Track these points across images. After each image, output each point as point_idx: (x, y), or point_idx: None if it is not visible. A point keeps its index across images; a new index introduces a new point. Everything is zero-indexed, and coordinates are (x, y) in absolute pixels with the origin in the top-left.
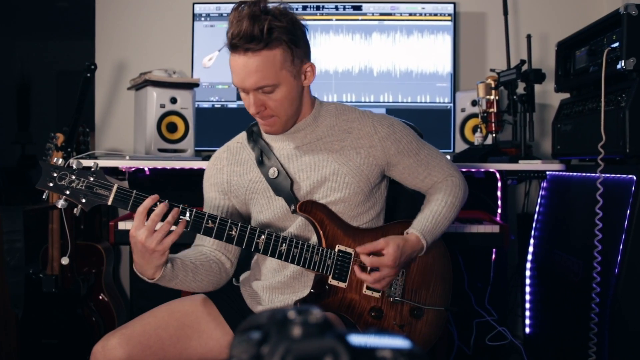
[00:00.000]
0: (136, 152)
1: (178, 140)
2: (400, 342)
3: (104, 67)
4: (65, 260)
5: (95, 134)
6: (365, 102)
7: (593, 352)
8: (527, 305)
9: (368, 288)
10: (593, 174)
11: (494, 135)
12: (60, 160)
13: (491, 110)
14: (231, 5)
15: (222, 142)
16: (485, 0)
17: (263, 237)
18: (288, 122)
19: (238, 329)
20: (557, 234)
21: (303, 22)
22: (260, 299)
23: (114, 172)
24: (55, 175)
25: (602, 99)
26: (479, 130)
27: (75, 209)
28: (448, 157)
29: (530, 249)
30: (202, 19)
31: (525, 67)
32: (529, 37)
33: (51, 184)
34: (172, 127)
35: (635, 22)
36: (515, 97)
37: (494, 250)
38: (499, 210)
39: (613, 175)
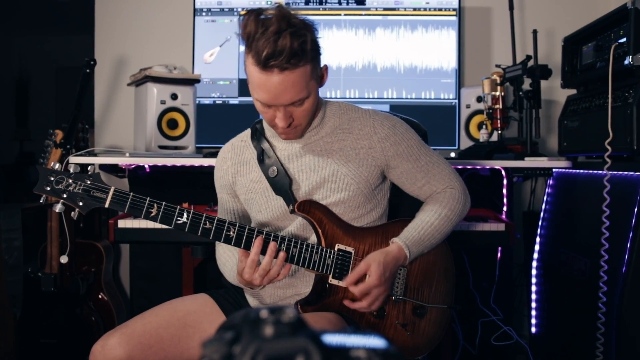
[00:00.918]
0: (136, 149)
1: (179, 137)
2: (375, 342)
3: (104, 63)
4: (64, 259)
5: (94, 130)
6: (368, 98)
7: (600, 352)
8: (533, 305)
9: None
10: (600, 171)
11: (499, 131)
12: (57, 164)
13: (497, 106)
14: (233, 0)
15: (223, 139)
16: None
17: (261, 237)
18: (307, 127)
19: (217, 329)
20: (563, 232)
21: (312, 22)
22: (262, 299)
23: (114, 169)
24: (52, 179)
25: (610, 95)
26: (484, 126)
27: (73, 212)
28: (453, 154)
29: (536, 247)
30: (203, 13)
31: (531, 63)
32: (535, 32)
33: (48, 188)
34: (173, 124)
35: None
36: (521, 93)
37: (499, 248)
38: (505, 208)
39: (620, 172)
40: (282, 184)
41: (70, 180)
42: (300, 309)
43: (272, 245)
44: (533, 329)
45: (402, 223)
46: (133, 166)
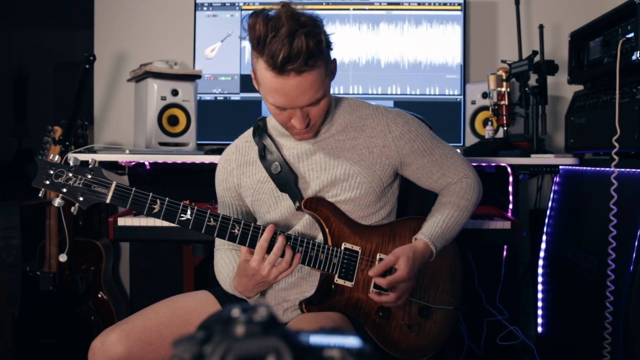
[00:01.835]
0: (136, 146)
1: (179, 133)
2: (349, 341)
3: (103, 58)
4: (63, 258)
5: (94, 127)
6: (372, 94)
7: (607, 352)
8: (539, 304)
9: (376, 287)
10: (607, 169)
11: (505, 128)
12: (57, 157)
13: (502, 102)
14: None
15: (225, 136)
16: None
17: (273, 226)
18: (320, 126)
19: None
20: (570, 230)
21: (319, 17)
22: (265, 300)
23: (114, 166)
24: (51, 172)
25: (617, 91)
26: (489, 123)
27: (73, 208)
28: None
29: (543, 245)
30: (204, 8)
31: (537, 58)
32: (541, 27)
33: (47, 182)
34: (174, 120)
35: None
36: (527, 89)
37: (505, 247)
38: (511, 206)
39: (628, 169)
40: (286, 180)
41: (71, 174)
42: (305, 309)
43: (281, 238)
44: (539, 329)
45: (409, 222)
46: (133, 163)
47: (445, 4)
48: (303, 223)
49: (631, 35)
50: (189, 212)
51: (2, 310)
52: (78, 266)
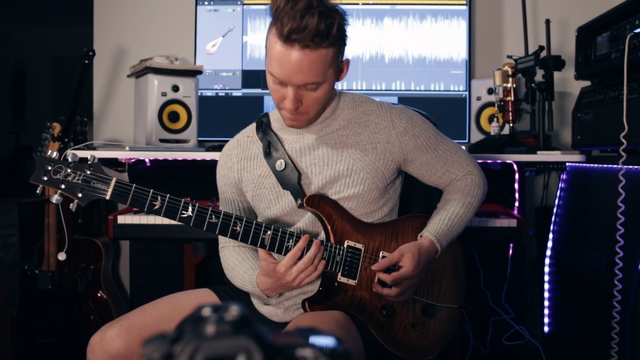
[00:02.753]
0: (136, 143)
1: (180, 130)
2: (322, 341)
3: (103, 54)
4: (62, 256)
5: (93, 123)
6: (376, 90)
7: (615, 352)
8: (546, 303)
9: (380, 283)
10: (615, 166)
11: (511, 124)
12: (56, 153)
13: (508, 98)
14: None
15: (226, 132)
16: None
17: (269, 232)
18: (316, 118)
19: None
20: (577, 228)
21: (344, 11)
22: (266, 299)
23: (113, 163)
24: (49, 168)
25: (625, 87)
26: (495, 119)
27: (72, 204)
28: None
29: (549, 244)
30: (206, 3)
31: (544, 54)
32: (547, 22)
33: (45, 178)
34: (174, 117)
35: None
36: (533, 84)
37: (511, 245)
38: (517, 204)
39: (636, 166)
40: (290, 178)
41: (69, 170)
42: (308, 308)
43: (317, 242)
44: (546, 328)
45: (412, 219)
46: (133, 160)
47: None
48: (305, 220)
49: (639, 30)
50: (190, 209)
51: (0, 310)
52: (77, 265)
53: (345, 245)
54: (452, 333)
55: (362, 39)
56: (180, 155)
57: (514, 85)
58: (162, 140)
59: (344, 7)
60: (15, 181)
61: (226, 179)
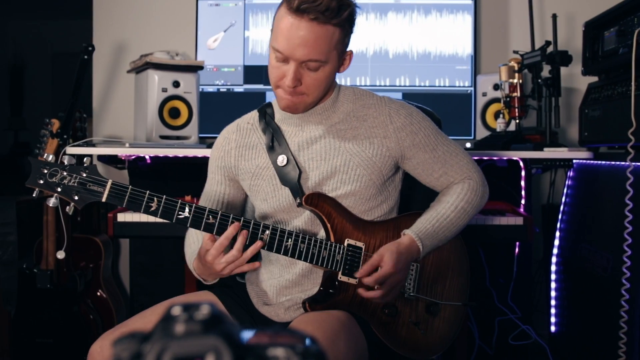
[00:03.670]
0: (136, 139)
1: (181, 126)
2: (295, 340)
3: (103, 49)
4: (60, 255)
5: (92, 119)
6: (380, 86)
7: (623, 352)
8: (553, 302)
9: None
10: (623, 163)
11: (517, 121)
12: (51, 156)
13: (514, 94)
14: None
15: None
16: None
17: (268, 232)
18: (314, 103)
19: None
20: (584, 226)
21: (357, 4)
22: (267, 299)
23: (113, 160)
24: (45, 172)
25: (633, 83)
26: (501, 115)
27: (68, 207)
28: (469, 144)
29: (556, 242)
30: None
31: (550, 49)
32: (554, 16)
33: (41, 181)
34: (175, 113)
35: None
36: (540, 80)
37: (517, 243)
38: (523, 201)
39: None
40: (290, 175)
41: (65, 173)
42: (309, 307)
43: (244, 233)
44: (552, 328)
45: (414, 217)
46: (133, 157)
47: None
48: (304, 219)
49: None
50: (187, 210)
51: None
52: (76, 263)
53: (345, 244)
54: (457, 332)
55: (365, 34)
56: (181, 152)
57: (520, 81)
58: (162, 137)
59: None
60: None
61: (220, 161)
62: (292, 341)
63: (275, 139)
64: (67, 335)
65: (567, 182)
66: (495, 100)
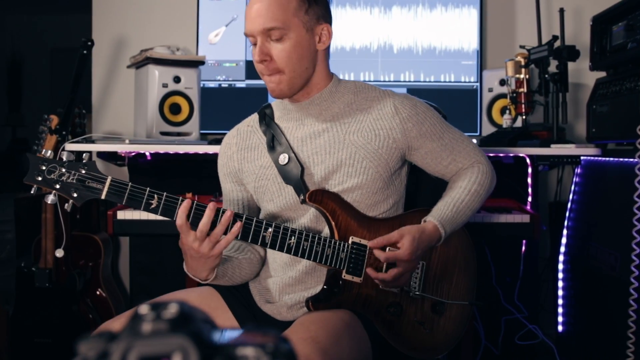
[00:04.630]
0: (137, 136)
1: (182, 122)
2: (265, 340)
3: (102, 44)
4: (59, 253)
5: (92, 115)
6: (384, 81)
7: (631, 352)
8: (560, 302)
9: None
10: (631, 159)
11: (523, 117)
12: (50, 152)
13: (521, 90)
14: None
15: (229, 125)
16: None
17: (270, 229)
18: (295, 81)
19: None
20: (592, 224)
21: None
22: (269, 297)
23: (113, 157)
24: (43, 168)
25: None
26: (507, 111)
27: (67, 204)
28: (475, 140)
29: (563, 240)
30: None
31: (557, 44)
32: (561, 11)
33: (39, 178)
34: (176, 109)
35: None
36: (547, 76)
37: (523, 241)
38: (530, 199)
39: None
40: (293, 173)
41: (64, 170)
42: (312, 307)
43: (227, 215)
44: (560, 328)
45: (419, 214)
46: (133, 154)
47: None
48: (309, 216)
49: None
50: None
51: None
52: (75, 262)
53: (350, 242)
54: (463, 331)
55: (370, 29)
56: (182, 149)
57: (527, 77)
58: (163, 133)
59: None
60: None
61: (226, 168)
62: (262, 340)
63: (275, 138)
64: (66, 335)
65: (574, 179)
66: (502, 95)
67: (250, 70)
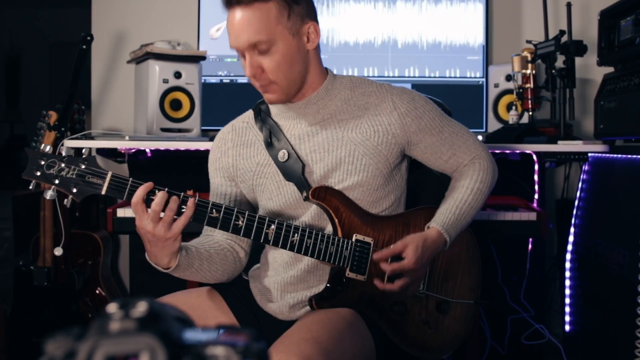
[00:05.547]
0: (137, 132)
1: (183, 118)
2: (236, 339)
3: (102, 38)
4: (58, 251)
5: (91, 111)
6: (388, 76)
7: (639, 351)
8: (567, 301)
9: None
10: (639, 156)
11: (530, 113)
12: (49, 147)
13: (527, 85)
14: None
15: (230, 121)
16: None
17: (273, 226)
18: (290, 89)
19: None
20: (599, 221)
21: None
22: (271, 296)
23: (113, 153)
24: (42, 163)
25: None
26: (513, 107)
27: (66, 200)
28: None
29: (571, 238)
30: None
31: (564, 39)
32: (569, 5)
33: (38, 173)
34: (176, 105)
35: None
36: (553, 71)
37: (530, 239)
38: (536, 196)
39: None
40: (294, 170)
41: (63, 165)
42: (315, 305)
43: (173, 200)
44: (567, 327)
45: (423, 211)
46: (133, 150)
47: None
48: (311, 213)
49: None
50: (190, 203)
51: None
52: (74, 260)
53: (353, 239)
54: (468, 331)
55: (373, 23)
56: (182, 145)
57: (534, 72)
58: (163, 130)
59: None
60: (9, 172)
61: (218, 163)
62: (234, 339)
63: (273, 135)
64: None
65: (582, 177)
66: (508, 91)
67: None
